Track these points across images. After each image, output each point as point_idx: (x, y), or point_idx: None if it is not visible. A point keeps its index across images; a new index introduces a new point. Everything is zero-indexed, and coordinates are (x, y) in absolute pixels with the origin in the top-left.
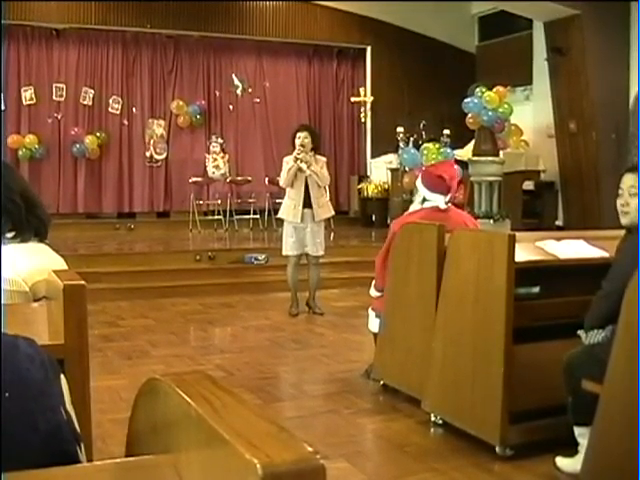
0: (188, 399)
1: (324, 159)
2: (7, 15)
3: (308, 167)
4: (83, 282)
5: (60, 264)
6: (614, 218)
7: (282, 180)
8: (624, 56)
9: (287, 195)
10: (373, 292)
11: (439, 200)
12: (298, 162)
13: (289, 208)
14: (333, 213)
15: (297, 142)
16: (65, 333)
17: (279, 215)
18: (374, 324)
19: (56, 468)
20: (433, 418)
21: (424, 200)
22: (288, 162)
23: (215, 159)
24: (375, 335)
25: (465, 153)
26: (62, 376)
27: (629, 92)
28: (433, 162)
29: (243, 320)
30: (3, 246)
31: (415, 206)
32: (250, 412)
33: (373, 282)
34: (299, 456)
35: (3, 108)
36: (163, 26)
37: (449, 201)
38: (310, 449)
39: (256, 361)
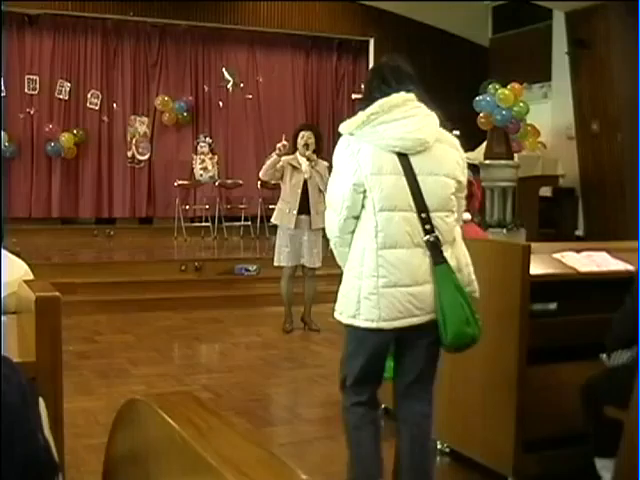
0: (172, 422)
1: (326, 164)
2: None
3: (314, 166)
4: (57, 294)
5: (23, 271)
6: None
7: (261, 171)
8: None
9: (281, 198)
10: None
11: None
12: (277, 155)
13: (283, 213)
14: None
15: (300, 141)
16: (37, 350)
17: (272, 221)
18: None
19: None
20: (439, 446)
21: None
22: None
23: (203, 160)
24: None
25: (476, 156)
26: (40, 398)
27: None
28: None
29: (232, 336)
30: None
31: None
32: (239, 437)
33: None
34: None
35: None
36: (147, 14)
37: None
38: (304, 477)
39: (246, 381)
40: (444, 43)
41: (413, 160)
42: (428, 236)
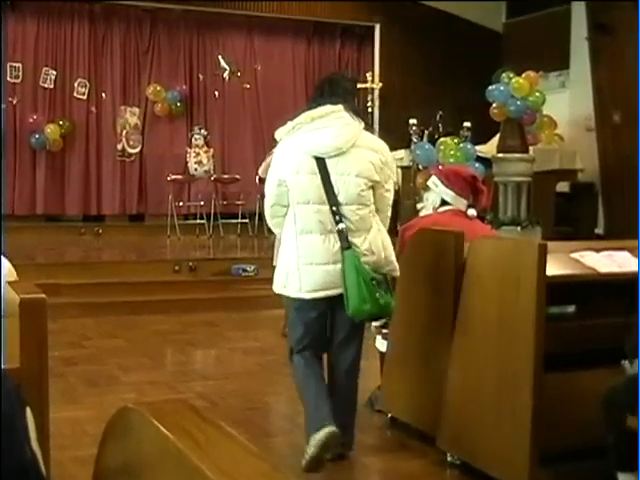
0: (166, 432)
1: None
2: None
3: None
4: (43, 295)
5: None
6: None
7: (262, 168)
8: None
9: None
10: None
11: (462, 206)
12: None
13: None
14: None
15: None
16: (21, 355)
17: None
18: (382, 343)
19: None
20: (449, 458)
21: (443, 203)
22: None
23: (198, 154)
24: (382, 356)
25: (489, 149)
26: (27, 408)
27: None
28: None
29: (229, 341)
30: None
31: (428, 210)
32: (238, 448)
33: None
34: None
35: None
36: None
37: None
38: None
39: (244, 389)
40: (455, 28)
41: (329, 162)
42: (338, 225)
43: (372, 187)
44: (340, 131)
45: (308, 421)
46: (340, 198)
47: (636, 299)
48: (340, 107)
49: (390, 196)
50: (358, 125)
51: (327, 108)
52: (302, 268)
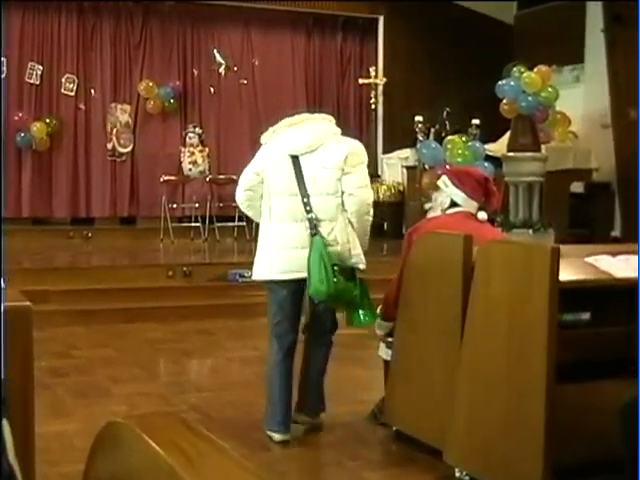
0: (157, 447)
1: None
2: None
3: None
4: (28, 303)
5: None
6: None
7: None
8: None
9: None
10: (380, 325)
11: (473, 209)
12: None
13: None
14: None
15: None
16: (5, 366)
17: None
18: (386, 352)
19: None
20: (458, 473)
21: (452, 205)
22: None
23: (192, 153)
24: (387, 365)
25: (499, 148)
26: (4, 420)
27: None
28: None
29: (226, 351)
30: None
31: (436, 212)
32: (233, 464)
33: (380, 308)
34: None
35: None
36: None
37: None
38: None
39: (241, 401)
40: (463, 20)
41: (302, 159)
42: (308, 214)
43: (340, 178)
44: (311, 133)
45: (266, 415)
46: (310, 191)
47: None
48: (316, 115)
49: (356, 178)
50: (329, 127)
51: (303, 116)
52: (274, 252)
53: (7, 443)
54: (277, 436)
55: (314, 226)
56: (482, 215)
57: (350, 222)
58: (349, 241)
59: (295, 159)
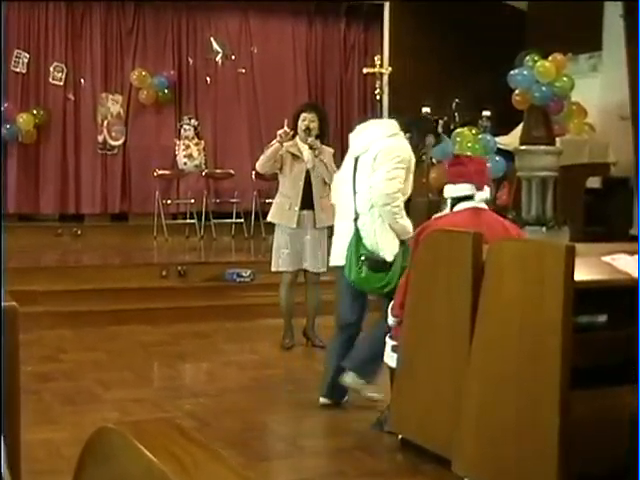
0: (150, 455)
1: (331, 150)
2: None
3: (317, 155)
4: (14, 304)
5: None
6: None
7: (259, 162)
8: None
9: (279, 191)
10: (391, 320)
11: (465, 191)
12: (279, 143)
13: (282, 208)
14: None
15: (300, 125)
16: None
17: (269, 218)
18: (391, 357)
19: None
20: None
21: (454, 202)
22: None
23: (187, 146)
24: (392, 371)
25: (511, 141)
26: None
27: None
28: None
29: (222, 354)
30: None
31: (446, 210)
32: (229, 472)
33: (390, 306)
34: None
35: None
36: None
37: (484, 198)
38: None
39: (239, 407)
40: (473, 7)
41: (359, 160)
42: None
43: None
44: (365, 136)
45: (322, 379)
46: (356, 188)
47: None
48: (380, 121)
49: (380, 172)
50: (380, 130)
51: (367, 124)
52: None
53: (2, 454)
54: (323, 400)
55: (355, 219)
56: (481, 195)
57: (380, 215)
58: (376, 234)
59: (355, 160)
